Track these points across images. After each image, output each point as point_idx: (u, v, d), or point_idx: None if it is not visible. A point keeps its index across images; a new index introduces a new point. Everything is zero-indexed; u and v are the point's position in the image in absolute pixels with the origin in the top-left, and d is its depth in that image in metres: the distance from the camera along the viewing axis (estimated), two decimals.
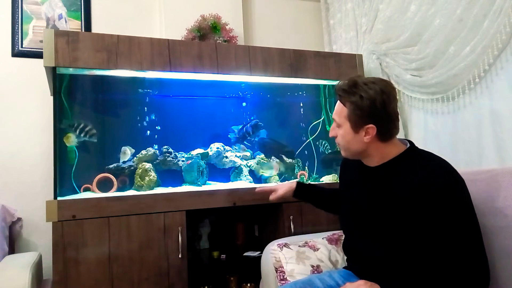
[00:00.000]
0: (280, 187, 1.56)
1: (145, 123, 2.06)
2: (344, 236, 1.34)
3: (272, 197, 1.57)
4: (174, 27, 2.40)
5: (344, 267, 1.31)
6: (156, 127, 2.08)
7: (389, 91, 1.09)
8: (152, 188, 1.91)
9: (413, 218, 1.03)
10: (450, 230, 0.98)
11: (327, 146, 2.34)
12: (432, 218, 1.00)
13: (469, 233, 0.98)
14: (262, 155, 2.26)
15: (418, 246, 1.03)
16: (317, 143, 2.35)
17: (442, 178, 1.01)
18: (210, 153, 2.12)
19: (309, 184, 1.58)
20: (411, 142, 1.16)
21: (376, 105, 1.07)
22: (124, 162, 1.96)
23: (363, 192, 1.19)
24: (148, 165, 1.94)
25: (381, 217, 1.11)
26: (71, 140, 1.83)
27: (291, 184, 1.54)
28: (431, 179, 1.01)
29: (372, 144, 1.11)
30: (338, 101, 1.15)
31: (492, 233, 1.13)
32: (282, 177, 2.25)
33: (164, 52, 1.84)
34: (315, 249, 1.54)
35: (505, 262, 1.10)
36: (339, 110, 1.14)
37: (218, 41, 2.35)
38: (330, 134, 1.21)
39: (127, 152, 1.95)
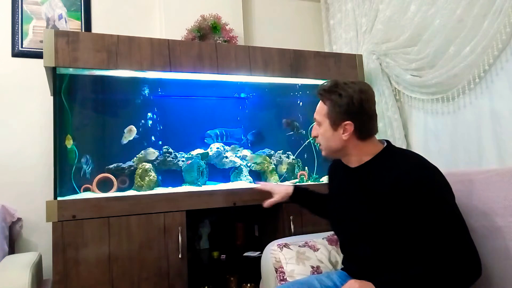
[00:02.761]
0: (276, 192, 1.55)
1: (145, 123, 2.06)
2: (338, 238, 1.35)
3: (266, 203, 1.55)
4: (174, 27, 2.40)
5: (341, 269, 1.31)
6: (155, 127, 2.08)
7: (367, 91, 1.16)
8: (152, 188, 1.91)
9: (395, 215, 1.05)
10: (432, 221, 0.99)
11: None
12: (412, 213, 1.02)
13: (452, 222, 0.99)
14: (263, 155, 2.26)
15: (405, 243, 1.05)
16: (315, 142, 2.35)
17: (416, 172, 1.04)
18: (210, 153, 2.12)
19: (305, 188, 1.57)
20: (388, 142, 1.20)
21: (354, 103, 1.13)
22: (130, 163, 1.96)
23: (347, 193, 1.22)
24: (148, 165, 1.94)
25: (365, 217, 1.13)
26: (71, 142, 1.83)
27: (287, 189, 1.53)
28: (405, 174, 1.05)
29: (350, 142, 1.16)
30: (320, 101, 1.21)
31: (491, 233, 1.13)
32: (282, 177, 2.25)
33: (164, 52, 1.84)
34: (315, 249, 1.54)
35: (505, 262, 1.10)
36: (320, 109, 1.20)
37: (218, 41, 2.35)
38: (312, 134, 1.26)
39: (133, 129, 1.94)
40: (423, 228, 1.00)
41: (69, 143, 1.83)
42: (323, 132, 1.19)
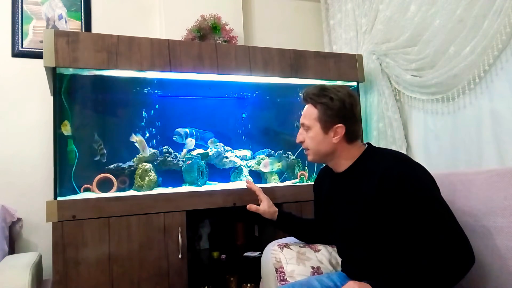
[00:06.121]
0: (264, 205, 1.45)
1: (145, 123, 2.06)
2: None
3: (249, 206, 1.46)
4: (174, 27, 2.40)
5: (341, 270, 1.31)
6: (155, 126, 2.08)
7: (354, 95, 1.21)
8: (152, 188, 1.91)
9: (385, 216, 1.06)
10: (420, 215, 1.01)
11: None
12: (400, 210, 1.04)
13: (439, 214, 1.01)
14: (262, 155, 2.26)
15: (398, 241, 1.07)
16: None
17: (396, 168, 1.07)
18: (210, 153, 2.12)
19: (289, 213, 1.52)
20: (368, 144, 1.23)
21: (346, 106, 1.16)
22: (130, 163, 1.95)
23: (336, 200, 1.24)
24: (148, 165, 1.94)
25: (356, 221, 1.13)
26: (69, 128, 1.82)
27: (275, 212, 1.45)
28: (388, 171, 1.07)
29: (340, 145, 1.18)
30: (307, 105, 1.23)
31: (491, 233, 1.13)
32: (282, 176, 2.25)
33: (164, 52, 1.84)
34: (315, 250, 1.54)
35: (505, 262, 1.10)
36: (309, 113, 1.21)
37: (218, 41, 2.35)
38: (298, 140, 1.25)
39: (145, 147, 1.96)
40: (413, 223, 1.02)
41: (66, 129, 1.80)
42: (313, 136, 1.20)
